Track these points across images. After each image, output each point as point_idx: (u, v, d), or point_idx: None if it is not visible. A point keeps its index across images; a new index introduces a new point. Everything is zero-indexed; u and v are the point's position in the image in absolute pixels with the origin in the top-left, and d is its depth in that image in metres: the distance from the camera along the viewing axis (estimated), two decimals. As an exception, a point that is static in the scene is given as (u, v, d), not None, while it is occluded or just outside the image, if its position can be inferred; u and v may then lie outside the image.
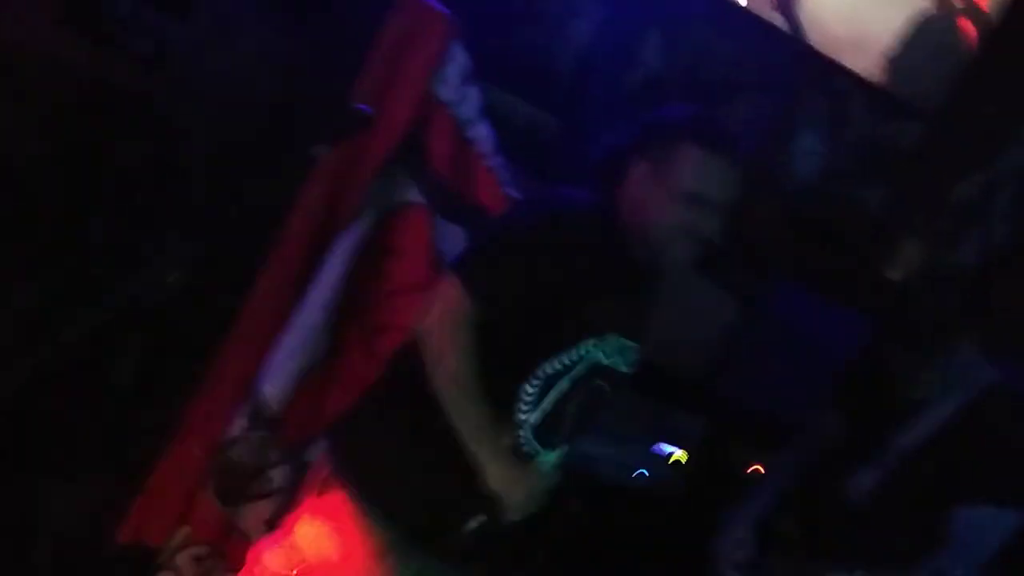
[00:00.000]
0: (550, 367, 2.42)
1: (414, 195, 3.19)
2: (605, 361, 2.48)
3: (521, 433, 2.47)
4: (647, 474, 3.99)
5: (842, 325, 4.19)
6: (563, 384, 2.44)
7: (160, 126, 3.20)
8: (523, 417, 2.46)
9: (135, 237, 2.95)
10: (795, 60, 4.38)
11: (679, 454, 4.05)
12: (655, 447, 4.04)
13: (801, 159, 4.60)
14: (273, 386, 3.16)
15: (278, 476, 3.24)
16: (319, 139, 2.80)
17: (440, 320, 2.34)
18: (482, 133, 3.22)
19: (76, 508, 3.17)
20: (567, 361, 2.42)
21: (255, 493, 3.26)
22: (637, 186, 2.41)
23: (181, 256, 2.60)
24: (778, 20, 4.25)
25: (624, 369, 2.53)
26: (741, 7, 4.26)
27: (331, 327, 3.18)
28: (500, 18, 4.04)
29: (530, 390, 2.43)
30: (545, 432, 2.49)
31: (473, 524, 2.47)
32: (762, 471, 3.92)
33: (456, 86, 3.16)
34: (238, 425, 3.19)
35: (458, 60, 3.14)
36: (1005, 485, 2.78)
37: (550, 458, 2.52)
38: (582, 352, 2.43)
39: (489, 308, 2.32)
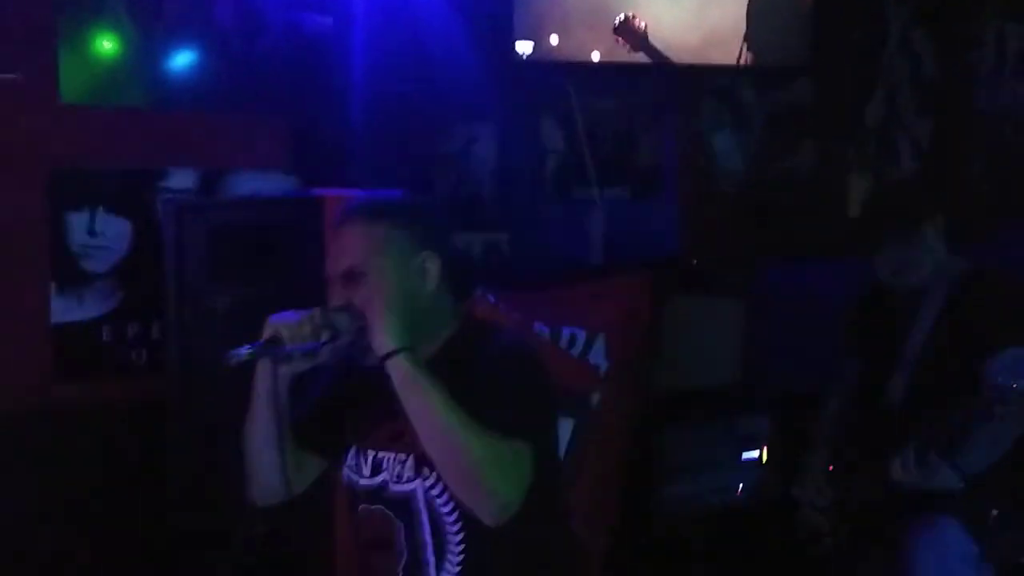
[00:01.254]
0: None
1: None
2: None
3: None
4: (743, 486, 4.27)
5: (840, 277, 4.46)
6: None
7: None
8: None
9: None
10: (672, 82, 4.75)
11: (758, 454, 4.30)
12: (740, 460, 4.29)
13: (725, 160, 4.90)
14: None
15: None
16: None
17: None
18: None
19: None
20: None
21: None
22: None
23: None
24: (641, 57, 4.59)
25: None
26: (608, 64, 4.61)
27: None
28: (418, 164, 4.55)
29: None
30: None
31: None
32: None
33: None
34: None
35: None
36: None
37: None
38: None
39: None
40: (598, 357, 3.98)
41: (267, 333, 2.21)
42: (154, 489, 3.68)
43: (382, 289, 2.29)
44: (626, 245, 4.82)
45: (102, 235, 4.09)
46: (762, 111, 4.89)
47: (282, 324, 2.21)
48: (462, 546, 2.32)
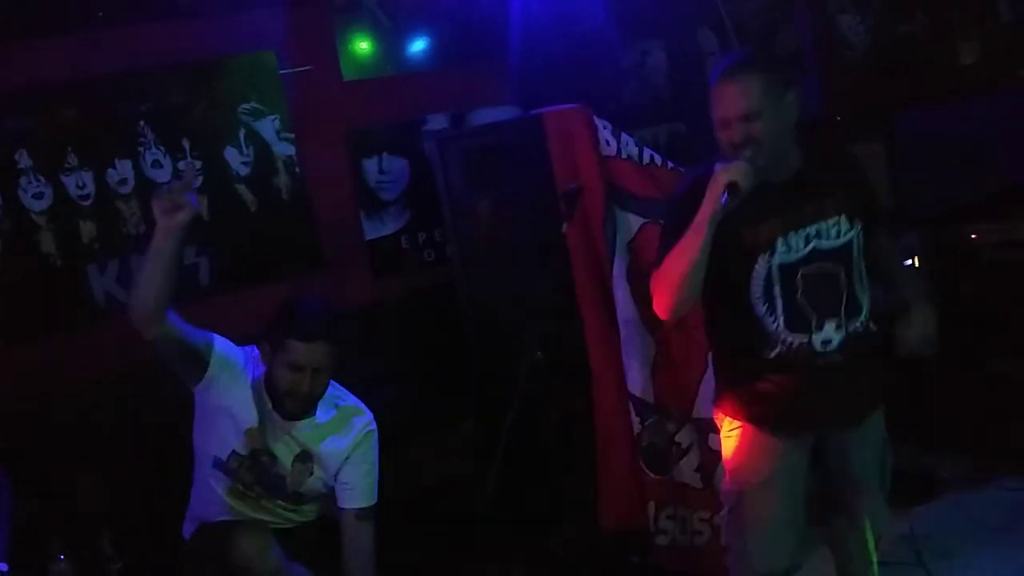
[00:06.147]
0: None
1: (636, 220, 4.13)
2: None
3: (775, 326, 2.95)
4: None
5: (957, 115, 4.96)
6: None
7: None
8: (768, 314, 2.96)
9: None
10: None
11: (910, 261, 4.70)
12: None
13: (851, 35, 5.30)
14: (638, 384, 4.13)
15: (684, 437, 4.13)
16: (562, 220, 3.89)
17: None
18: (653, 155, 4.18)
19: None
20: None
21: (677, 456, 4.14)
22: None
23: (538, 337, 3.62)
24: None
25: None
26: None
27: (646, 325, 4.06)
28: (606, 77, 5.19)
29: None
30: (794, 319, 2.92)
31: None
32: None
33: (612, 140, 4.18)
34: (635, 423, 4.15)
35: (603, 126, 4.20)
36: None
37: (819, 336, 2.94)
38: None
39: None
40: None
41: (725, 181, 2.70)
42: (454, 341, 4.52)
43: (772, 123, 2.76)
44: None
45: (389, 172, 5.01)
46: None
47: (735, 171, 2.72)
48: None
